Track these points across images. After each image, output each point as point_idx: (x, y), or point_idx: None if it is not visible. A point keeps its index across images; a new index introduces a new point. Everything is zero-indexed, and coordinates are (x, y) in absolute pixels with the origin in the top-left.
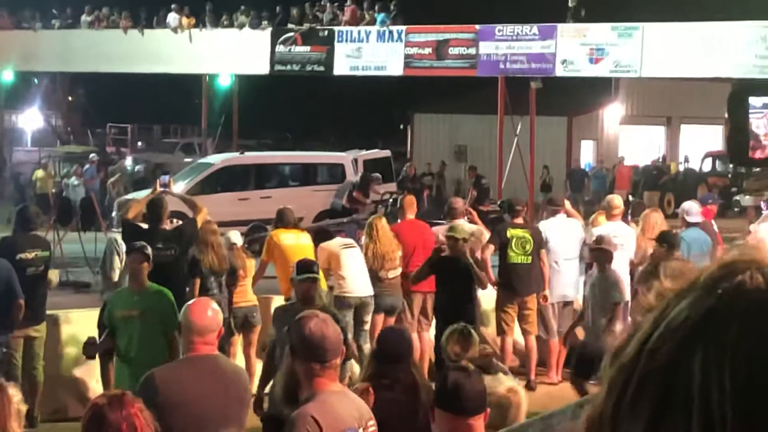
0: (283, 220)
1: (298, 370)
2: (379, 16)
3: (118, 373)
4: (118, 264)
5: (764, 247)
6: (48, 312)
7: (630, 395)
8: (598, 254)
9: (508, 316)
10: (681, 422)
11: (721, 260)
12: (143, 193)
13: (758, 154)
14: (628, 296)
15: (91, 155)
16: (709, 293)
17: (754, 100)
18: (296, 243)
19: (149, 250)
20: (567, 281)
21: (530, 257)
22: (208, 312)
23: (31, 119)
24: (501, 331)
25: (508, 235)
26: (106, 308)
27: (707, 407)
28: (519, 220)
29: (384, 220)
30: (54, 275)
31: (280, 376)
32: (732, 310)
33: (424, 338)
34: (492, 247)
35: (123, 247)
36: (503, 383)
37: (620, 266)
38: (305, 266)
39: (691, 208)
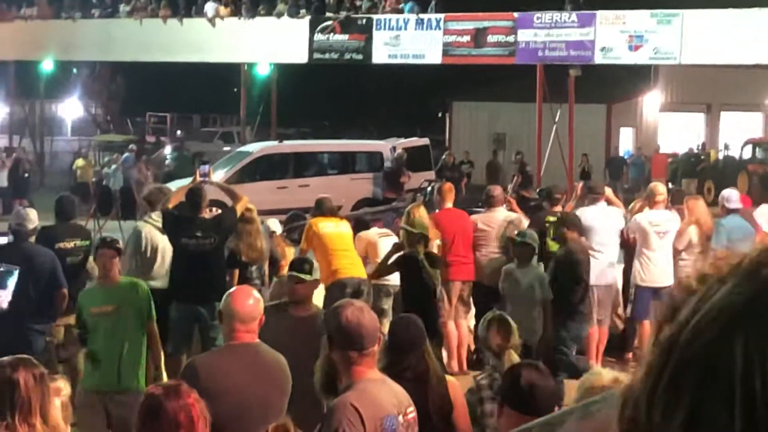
0: (322, 208)
1: (335, 358)
2: (407, 5)
3: (88, 370)
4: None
5: None
6: None
7: (667, 380)
8: (521, 249)
9: None
10: (723, 410)
11: (762, 246)
12: (183, 182)
13: None
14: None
15: (130, 144)
16: (751, 279)
17: None
18: (336, 231)
19: (120, 244)
20: (606, 268)
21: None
22: (250, 300)
23: (70, 108)
24: None
25: (547, 223)
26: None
27: (750, 395)
28: (558, 209)
29: (422, 209)
30: (94, 264)
31: (319, 366)
32: None
33: (462, 326)
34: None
35: (149, 239)
36: (603, 375)
37: (664, 253)
38: (294, 264)
39: (731, 195)
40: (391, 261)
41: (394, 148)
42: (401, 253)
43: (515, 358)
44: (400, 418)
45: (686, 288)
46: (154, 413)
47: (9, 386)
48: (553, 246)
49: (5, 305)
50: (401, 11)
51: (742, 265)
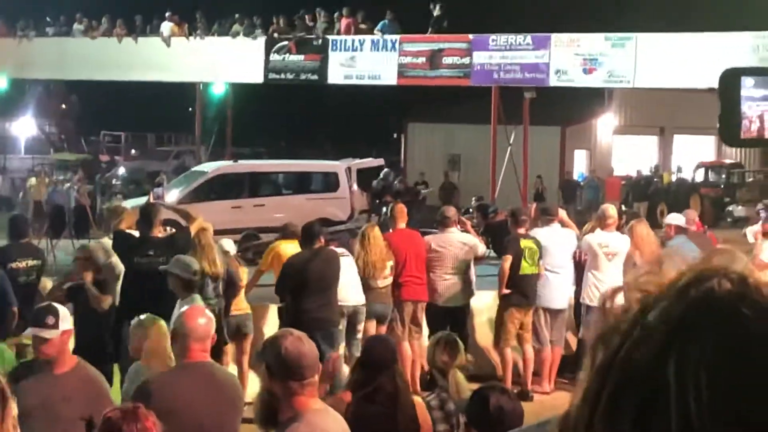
0: (288, 232)
1: (275, 389)
2: (381, 23)
3: None
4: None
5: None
6: None
7: (605, 404)
8: None
9: (513, 327)
10: (661, 427)
11: (690, 267)
12: (135, 202)
13: (748, 135)
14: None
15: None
16: (680, 300)
17: (746, 81)
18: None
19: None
20: (560, 289)
21: (537, 267)
22: (203, 319)
23: (24, 127)
24: (502, 342)
25: (522, 246)
26: None
27: (686, 415)
28: (522, 230)
29: (377, 229)
30: (48, 283)
31: (257, 397)
32: (702, 318)
33: (415, 346)
34: (510, 258)
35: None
36: None
37: (614, 274)
38: (37, 317)
39: (678, 219)
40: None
41: (349, 169)
42: None
43: (460, 377)
44: None
45: (620, 311)
46: None
47: None
48: (529, 269)
49: None
50: (366, 31)
51: (671, 287)
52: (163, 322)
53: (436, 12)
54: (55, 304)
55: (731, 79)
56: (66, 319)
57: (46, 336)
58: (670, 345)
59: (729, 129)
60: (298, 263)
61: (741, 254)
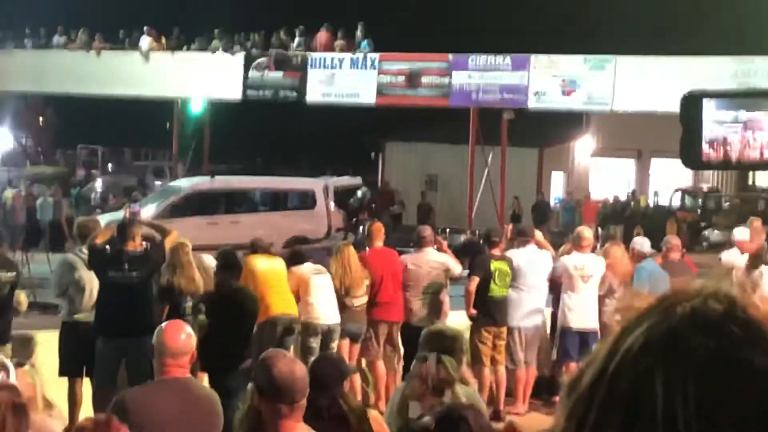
0: (257, 246)
1: (263, 411)
2: (364, 43)
3: None
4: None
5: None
6: (14, 332)
7: (592, 423)
8: None
9: (485, 348)
10: None
11: (673, 288)
12: (111, 217)
13: (711, 158)
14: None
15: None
16: (667, 317)
17: (708, 103)
18: (268, 267)
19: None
20: (535, 310)
21: (509, 289)
22: (182, 335)
23: (1, 139)
24: (477, 362)
25: (492, 268)
26: None
27: (672, 427)
28: (497, 251)
29: (352, 248)
30: (23, 296)
31: (242, 418)
32: (690, 333)
33: (393, 366)
34: (477, 279)
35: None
36: None
37: (589, 296)
38: None
39: (644, 242)
40: None
41: (326, 187)
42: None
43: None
44: None
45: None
46: None
47: None
48: (497, 291)
49: None
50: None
51: (654, 307)
52: (27, 369)
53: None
54: (5, 361)
55: (692, 101)
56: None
57: None
58: (657, 360)
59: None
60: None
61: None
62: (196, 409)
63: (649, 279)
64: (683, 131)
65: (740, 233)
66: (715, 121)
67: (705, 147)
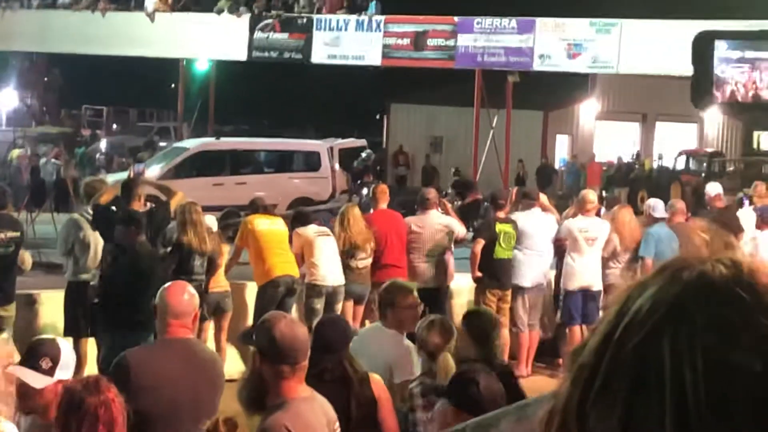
0: (257, 206)
1: (265, 373)
2: (372, 4)
3: None
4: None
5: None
6: (18, 292)
7: (599, 386)
8: None
9: (490, 310)
10: (655, 405)
11: (680, 254)
12: (116, 177)
13: (719, 98)
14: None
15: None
16: (675, 281)
17: (719, 44)
18: (270, 228)
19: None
20: (539, 273)
21: (513, 251)
22: (185, 295)
23: (6, 99)
24: None
25: (497, 230)
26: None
27: (680, 389)
28: (502, 214)
29: (356, 209)
30: (28, 256)
31: (246, 381)
32: (699, 294)
33: None
34: (482, 241)
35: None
36: None
37: (593, 259)
38: (32, 354)
39: (657, 205)
40: None
41: (331, 149)
42: None
43: (450, 361)
44: None
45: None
46: (74, 408)
47: None
48: (502, 253)
49: None
50: (358, 8)
51: (661, 272)
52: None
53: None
54: (59, 341)
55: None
56: (67, 365)
57: (34, 384)
58: (665, 323)
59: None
60: None
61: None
62: (199, 369)
63: (657, 244)
64: (694, 71)
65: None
66: (725, 60)
67: (715, 87)
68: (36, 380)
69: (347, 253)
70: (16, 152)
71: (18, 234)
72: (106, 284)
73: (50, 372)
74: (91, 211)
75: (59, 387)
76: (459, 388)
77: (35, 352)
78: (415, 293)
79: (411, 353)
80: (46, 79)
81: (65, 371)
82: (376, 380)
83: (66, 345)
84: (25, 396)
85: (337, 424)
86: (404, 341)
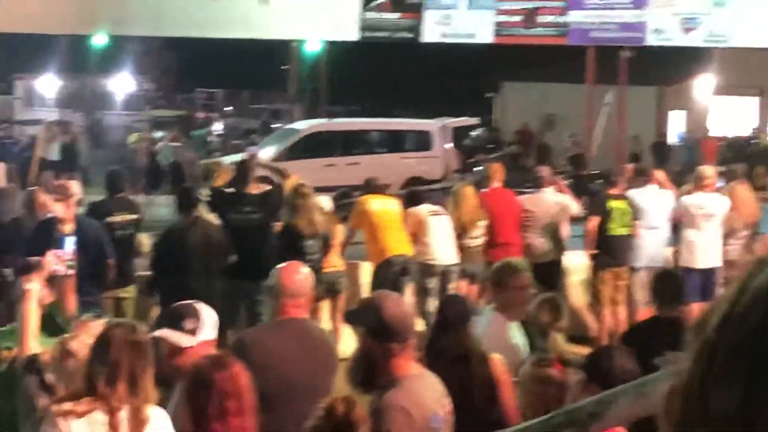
0: (371, 186)
1: (374, 352)
2: None
3: None
4: None
5: None
6: (137, 274)
7: (720, 362)
8: None
9: (606, 288)
10: None
11: None
12: (231, 159)
13: None
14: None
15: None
16: None
17: None
18: (384, 209)
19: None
20: (655, 250)
21: (629, 228)
22: (299, 275)
23: (122, 83)
24: (597, 303)
25: (610, 206)
26: None
27: None
28: (616, 191)
29: (470, 188)
30: (145, 238)
31: (355, 360)
32: None
33: None
34: (596, 218)
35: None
36: None
37: (711, 235)
38: (175, 316)
39: None
40: None
41: (443, 128)
42: None
43: (560, 339)
44: (441, 413)
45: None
46: (202, 384)
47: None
48: (616, 230)
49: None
50: None
51: None
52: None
53: None
54: (199, 306)
55: None
56: (210, 326)
57: (179, 343)
58: None
59: None
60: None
61: None
62: (313, 349)
63: None
64: None
65: None
66: None
67: None
68: (182, 340)
69: (460, 232)
70: (135, 136)
71: (136, 217)
72: None
73: (194, 332)
74: (208, 193)
75: (203, 347)
76: (591, 360)
77: (178, 316)
78: (528, 273)
79: (516, 349)
80: (160, 63)
81: (208, 331)
82: (497, 360)
83: (206, 308)
84: (171, 357)
85: (447, 399)
86: (507, 332)
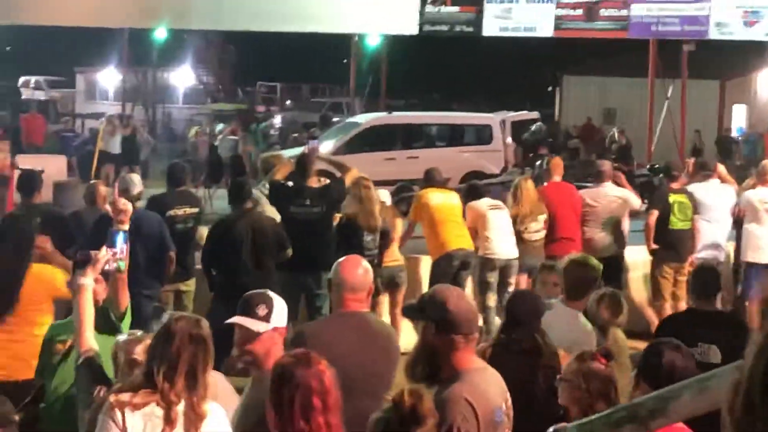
0: (431, 179)
1: (438, 345)
2: None
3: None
4: None
5: None
6: (197, 267)
7: None
8: None
9: (667, 282)
10: None
11: None
12: (291, 153)
13: None
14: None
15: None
16: None
17: None
18: (444, 202)
19: None
20: (717, 244)
21: (690, 222)
22: (360, 269)
23: (182, 77)
24: (658, 297)
25: (670, 200)
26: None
27: None
28: (676, 185)
29: (530, 182)
30: (205, 232)
31: (418, 354)
32: None
33: None
34: (656, 212)
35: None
36: None
37: None
38: (247, 303)
39: None
40: None
41: (503, 122)
42: None
43: (620, 335)
44: (504, 406)
45: None
46: (287, 382)
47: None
48: (677, 224)
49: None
50: None
51: None
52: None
53: None
54: (271, 294)
55: None
56: (281, 313)
57: (253, 328)
58: None
59: None
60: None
61: None
62: (374, 343)
63: None
64: None
65: None
66: None
67: None
68: (255, 326)
69: (520, 227)
70: (194, 129)
71: (196, 210)
72: None
73: (266, 318)
74: (268, 186)
75: (276, 333)
76: (643, 357)
77: (251, 302)
78: (598, 267)
79: (591, 335)
80: (220, 57)
81: (280, 318)
82: (564, 357)
83: (277, 297)
84: (245, 344)
85: (507, 394)
86: (581, 321)
